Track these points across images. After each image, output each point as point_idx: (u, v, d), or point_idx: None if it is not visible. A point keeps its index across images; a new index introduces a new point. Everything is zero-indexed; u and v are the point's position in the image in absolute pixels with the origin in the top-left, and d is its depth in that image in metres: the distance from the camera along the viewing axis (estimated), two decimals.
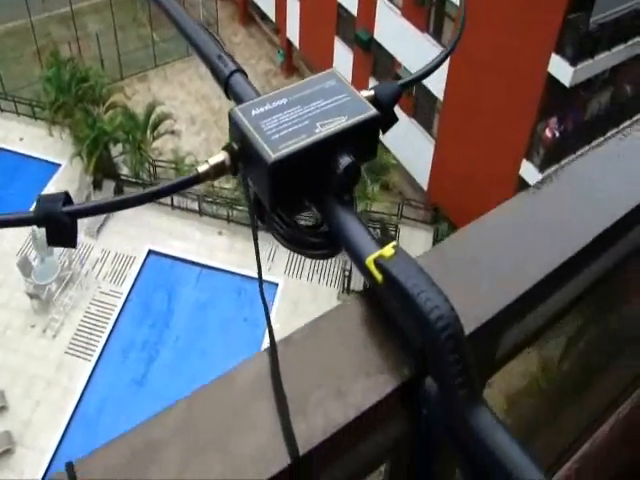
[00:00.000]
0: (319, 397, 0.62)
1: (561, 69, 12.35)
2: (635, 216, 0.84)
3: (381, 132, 0.80)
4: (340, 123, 0.73)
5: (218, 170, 0.74)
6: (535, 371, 2.26)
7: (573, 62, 12.20)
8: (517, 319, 0.79)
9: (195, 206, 15.57)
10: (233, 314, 14.13)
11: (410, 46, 14.92)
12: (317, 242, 0.75)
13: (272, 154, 0.68)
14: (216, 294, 14.43)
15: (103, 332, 13.87)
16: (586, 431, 1.84)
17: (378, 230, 15.32)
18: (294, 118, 0.73)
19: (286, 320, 13.16)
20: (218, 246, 15.05)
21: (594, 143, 11.33)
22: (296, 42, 19.50)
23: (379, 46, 16.25)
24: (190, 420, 0.61)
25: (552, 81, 12.58)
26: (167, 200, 15.51)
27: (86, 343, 13.64)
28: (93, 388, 13.10)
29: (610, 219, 0.82)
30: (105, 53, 18.70)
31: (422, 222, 16.28)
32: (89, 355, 13.48)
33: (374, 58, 16.76)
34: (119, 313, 14.27)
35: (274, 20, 20.41)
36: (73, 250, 14.65)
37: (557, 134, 13.24)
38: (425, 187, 16.37)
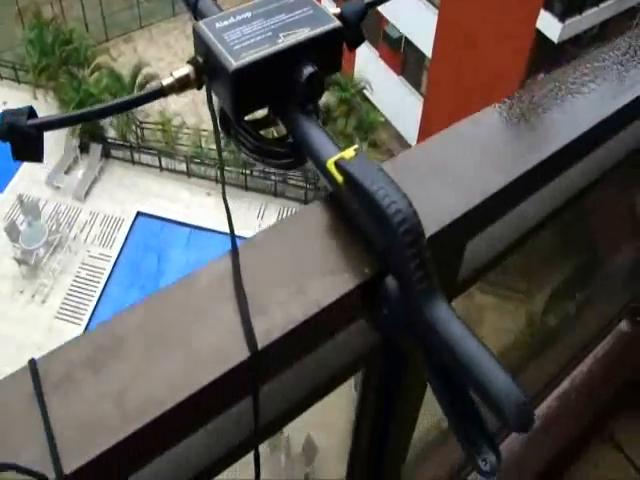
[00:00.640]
0: (279, 296, 0.63)
1: (550, 25, 12.25)
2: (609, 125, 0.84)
3: (348, 48, 0.81)
4: (303, 34, 0.74)
5: (183, 84, 0.74)
6: (522, 327, 2.29)
7: (562, 18, 12.11)
8: (479, 228, 0.80)
9: (183, 167, 15.45)
10: None
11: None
12: (281, 152, 0.76)
13: (234, 62, 0.69)
14: (206, 255, 14.31)
15: (93, 296, 13.84)
16: (564, 371, 1.88)
17: None
18: (257, 30, 0.74)
19: None
20: (207, 207, 14.98)
21: None
22: None
23: None
24: (152, 318, 0.63)
25: (541, 37, 12.49)
26: (155, 162, 15.39)
27: (76, 307, 13.61)
28: None
29: (577, 130, 0.82)
30: (89, 14, 18.33)
31: None
32: (79, 319, 13.47)
33: None
34: (108, 276, 14.22)
35: None
36: (61, 213, 14.58)
37: None
38: (413, 144, 16.31)
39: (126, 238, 14.78)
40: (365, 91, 15.22)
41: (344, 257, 0.67)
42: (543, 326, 2.30)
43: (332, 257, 0.67)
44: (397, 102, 15.70)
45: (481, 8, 12.96)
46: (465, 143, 0.81)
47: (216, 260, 0.66)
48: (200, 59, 0.74)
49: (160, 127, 15.98)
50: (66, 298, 13.73)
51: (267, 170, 14.28)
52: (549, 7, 12.20)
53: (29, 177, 15.13)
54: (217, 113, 0.77)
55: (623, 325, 2.13)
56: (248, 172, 14.73)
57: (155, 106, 16.48)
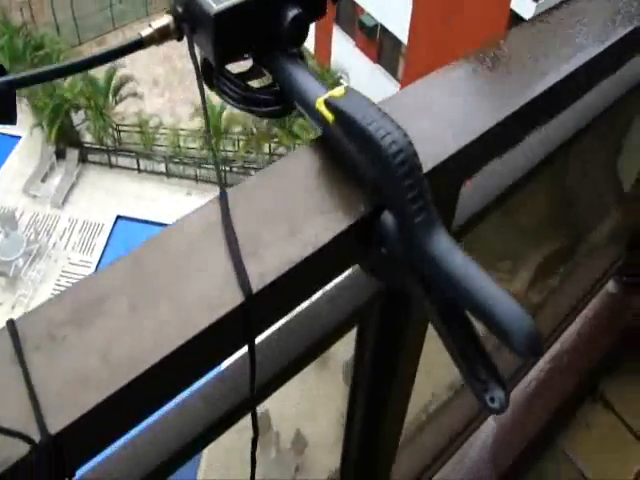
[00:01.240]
0: (272, 238, 0.60)
1: (524, 5, 12.29)
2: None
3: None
4: None
5: (162, 34, 0.72)
6: None
7: None
8: (472, 169, 0.78)
9: (162, 168, 15.34)
10: None
11: None
12: (268, 99, 0.74)
13: (215, 6, 0.67)
14: None
15: None
16: (554, 334, 1.88)
17: None
18: None
19: None
20: (187, 207, 14.79)
21: None
22: None
23: None
24: (138, 269, 0.59)
25: (515, 17, 12.52)
26: (133, 164, 15.27)
27: None
28: None
29: (562, 72, 0.80)
30: (60, 17, 18.14)
31: None
32: None
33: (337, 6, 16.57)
34: None
35: None
36: (39, 222, 14.41)
37: None
38: None
39: (106, 243, 14.61)
40: (342, 80, 15.23)
41: (337, 196, 0.64)
42: (528, 303, 2.30)
43: (325, 197, 0.64)
44: (374, 89, 15.72)
45: None
46: (452, 86, 0.79)
47: (204, 207, 0.63)
48: (179, 8, 0.71)
49: (137, 129, 15.85)
50: None
51: (247, 165, 14.21)
52: None
53: (4, 187, 14.93)
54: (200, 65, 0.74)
55: (610, 286, 2.16)
56: (227, 169, 14.66)
57: (131, 108, 16.37)
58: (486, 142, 0.73)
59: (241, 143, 15.01)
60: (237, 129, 15.12)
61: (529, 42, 0.85)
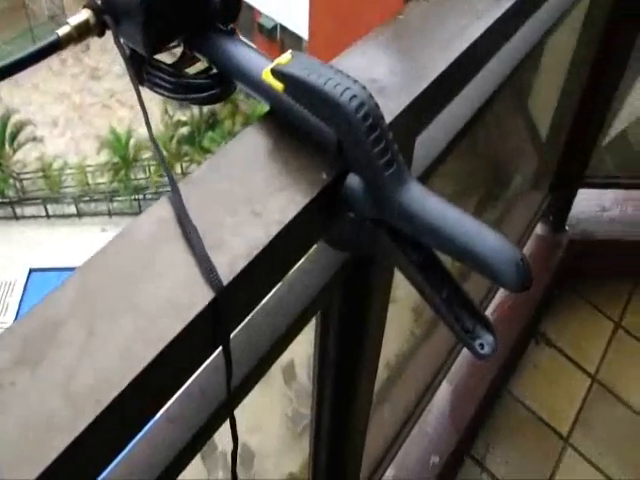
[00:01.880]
0: (234, 224, 0.55)
1: None
2: None
3: None
4: None
5: (82, 31, 0.65)
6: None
7: None
8: (427, 118, 0.78)
9: (72, 209, 14.87)
10: None
11: None
12: (206, 83, 0.68)
13: None
14: None
15: None
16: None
17: None
18: None
19: None
20: (104, 243, 14.34)
21: None
22: None
23: None
24: (90, 287, 0.52)
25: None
26: (41, 211, 14.74)
27: None
28: None
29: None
30: None
31: None
32: None
33: None
34: None
35: None
36: None
37: None
38: None
39: (21, 300, 13.86)
40: None
41: (296, 168, 0.59)
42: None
43: (284, 172, 0.59)
44: None
45: None
46: (378, 50, 0.76)
47: (153, 206, 0.57)
48: (98, 0, 0.65)
49: (41, 174, 15.33)
50: None
51: (160, 190, 13.95)
52: None
53: None
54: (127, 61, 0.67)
55: (539, 228, 2.26)
56: (141, 197, 14.38)
57: (32, 153, 15.81)
58: (437, 90, 0.71)
59: (152, 168, 14.76)
60: (146, 155, 14.87)
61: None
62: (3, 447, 0.44)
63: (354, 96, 0.55)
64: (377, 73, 0.71)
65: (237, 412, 0.64)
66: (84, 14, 0.65)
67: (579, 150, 2.04)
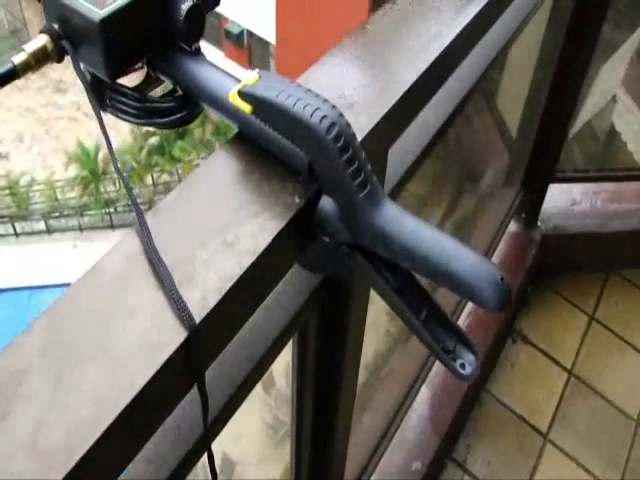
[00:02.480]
0: (206, 257, 0.53)
1: None
2: None
3: None
4: None
5: (39, 58, 0.62)
6: None
7: None
8: (399, 130, 0.77)
9: (42, 226, 14.64)
10: None
11: None
12: (171, 106, 0.66)
13: (100, 11, 0.59)
14: None
15: None
16: None
17: None
18: None
19: None
20: (76, 260, 14.20)
21: None
22: None
23: None
24: (56, 333, 0.49)
25: (374, 2, 12.81)
26: (9, 230, 14.48)
27: None
28: None
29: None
30: None
31: None
32: None
33: None
34: None
35: None
36: None
37: None
38: None
39: None
40: None
41: (268, 193, 0.58)
42: None
43: (255, 197, 0.57)
44: None
45: None
46: (348, 63, 0.74)
47: (120, 241, 0.54)
48: (55, 25, 0.62)
49: (7, 192, 15.07)
50: None
51: (129, 203, 13.77)
52: None
53: None
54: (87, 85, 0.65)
55: (512, 226, 2.27)
56: (112, 210, 14.20)
57: None
58: (409, 100, 0.70)
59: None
60: None
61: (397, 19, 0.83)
62: None
63: (324, 117, 0.54)
64: (347, 88, 0.69)
65: None
66: (41, 40, 0.62)
67: (549, 145, 2.05)
